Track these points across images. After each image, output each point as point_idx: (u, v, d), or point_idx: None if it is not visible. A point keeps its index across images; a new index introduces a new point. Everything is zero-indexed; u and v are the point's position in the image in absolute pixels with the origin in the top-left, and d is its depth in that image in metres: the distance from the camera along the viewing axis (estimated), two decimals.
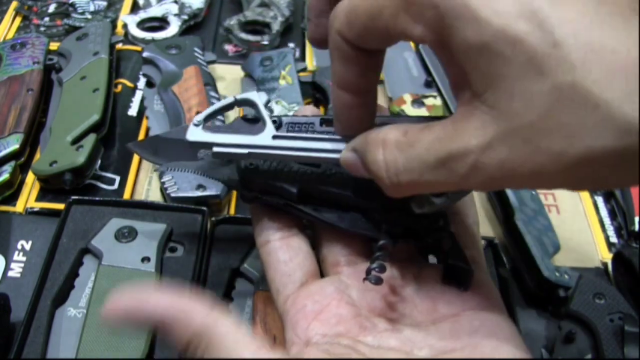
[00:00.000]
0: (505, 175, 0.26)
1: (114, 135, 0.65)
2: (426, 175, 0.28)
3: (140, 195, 0.61)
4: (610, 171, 0.24)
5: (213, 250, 0.54)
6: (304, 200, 0.37)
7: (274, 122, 0.36)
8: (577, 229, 0.63)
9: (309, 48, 0.79)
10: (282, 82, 0.68)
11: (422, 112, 0.68)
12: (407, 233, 0.36)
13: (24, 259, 0.54)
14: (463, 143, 0.26)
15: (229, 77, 0.74)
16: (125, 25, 0.78)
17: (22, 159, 0.60)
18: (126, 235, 0.51)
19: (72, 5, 0.80)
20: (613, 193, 0.65)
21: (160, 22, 0.79)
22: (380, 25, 0.28)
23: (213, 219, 0.56)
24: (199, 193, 0.57)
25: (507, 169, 0.25)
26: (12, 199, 0.59)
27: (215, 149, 0.36)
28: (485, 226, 0.62)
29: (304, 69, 0.72)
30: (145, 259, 0.50)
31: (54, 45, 0.72)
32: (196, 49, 0.70)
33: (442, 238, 0.35)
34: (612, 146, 0.23)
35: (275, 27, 0.79)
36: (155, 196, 0.61)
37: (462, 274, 0.35)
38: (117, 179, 0.62)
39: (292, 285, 0.36)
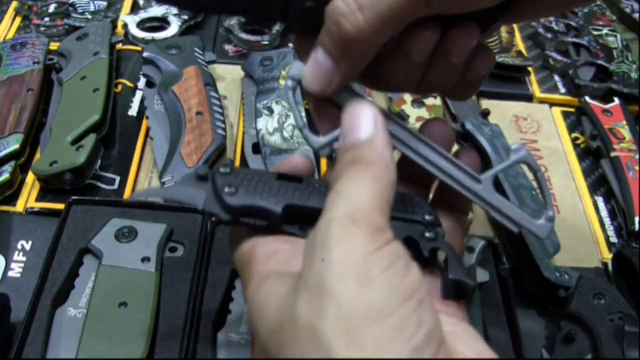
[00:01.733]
0: None
1: (114, 135, 0.65)
2: None
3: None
4: None
5: (213, 251, 0.54)
6: (289, 219, 0.34)
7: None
8: (577, 229, 0.63)
9: None
10: (282, 82, 0.68)
11: (422, 112, 0.68)
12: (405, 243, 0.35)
13: (24, 259, 0.54)
14: None
15: (229, 77, 0.74)
16: (125, 25, 0.78)
17: (22, 159, 0.60)
18: (126, 235, 0.51)
19: (72, 5, 0.80)
20: (613, 193, 0.65)
21: (160, 22, 0.79)
22: None
23: (213, 219, 0.56)
24: None
25: None
26: (12, 199, 0.59)
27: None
28: (485, 226, 0.62)
29: None
30: (145, 259, 0.50)
31: (54, 45, 0.72)
32: (196, 49, 0.70)
33: (437, 249, 0.35)
34: None
35: (276, 27, 0.79)
36: None
37: (462, 288, 0.34)
38: (117, 179, 0.62)
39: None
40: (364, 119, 0.32)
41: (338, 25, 0.32)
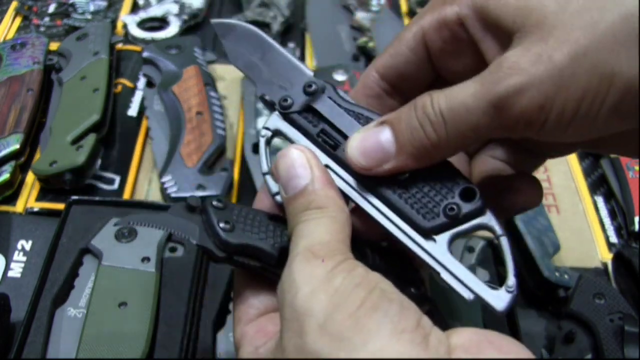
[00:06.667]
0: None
1: (114, 135, 0.65)
2: (474, 118, 0.29)
3: (140, 195, 0.61)
4: None
5: None
6: (281, 263, 0.32)
7: None
8: (577, 229, 0.63)
9: (309, 48, 0.79)
10: None
11: None
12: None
13: (24, 259, 0.54)
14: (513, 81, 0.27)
15: (229, 77, 0.74)
16: (125, 25, 0.78)
17: (22, 159, 0.60)
18: (126, 235, 0.51)
19: (72, 5, 0.80)
20: (613, 193, 0.65)
21: (160, 22, 0.79)
22: None
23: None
24: (199, 193, 0.57)
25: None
26: (12, 199, 0.59)
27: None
28: None
29: None
30: (145, 259, 0.50)
31: (54, 45, 0.72)
32: (196, 49, 0.70)
33: (422, 304, 0.32)
34: None
35: (275, 27, 0.79)
36: (155, 196, 0.61)
37: None
38: (117, 179, 0.62)
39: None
40: (297, 166, 0.32)
41: (420, 130, 0.30)
